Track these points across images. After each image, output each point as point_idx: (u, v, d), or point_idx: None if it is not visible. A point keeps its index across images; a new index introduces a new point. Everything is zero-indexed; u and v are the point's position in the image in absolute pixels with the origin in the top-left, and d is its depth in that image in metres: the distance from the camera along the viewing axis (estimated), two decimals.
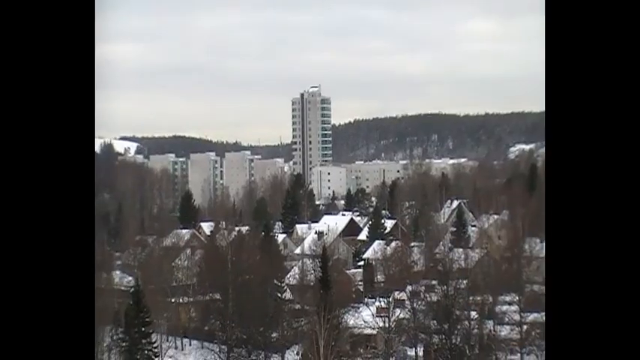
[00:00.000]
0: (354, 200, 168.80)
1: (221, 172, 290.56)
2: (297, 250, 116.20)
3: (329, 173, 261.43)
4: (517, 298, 72.83)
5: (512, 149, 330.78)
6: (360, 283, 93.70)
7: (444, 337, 69.91)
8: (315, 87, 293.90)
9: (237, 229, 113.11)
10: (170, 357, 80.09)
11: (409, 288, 76.55)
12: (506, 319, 72.38)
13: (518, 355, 69.68)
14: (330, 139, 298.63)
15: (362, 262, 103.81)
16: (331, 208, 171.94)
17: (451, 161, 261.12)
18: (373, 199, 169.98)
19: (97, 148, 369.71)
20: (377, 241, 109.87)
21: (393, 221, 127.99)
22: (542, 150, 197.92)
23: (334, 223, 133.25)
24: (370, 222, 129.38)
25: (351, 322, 73.74)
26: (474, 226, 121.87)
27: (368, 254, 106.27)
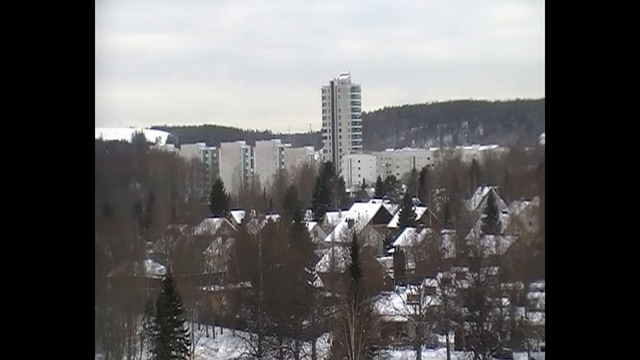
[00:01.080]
0: (384, 188, 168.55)
1: (251, 160, 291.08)
2: (328, 238, 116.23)
3: (359, 161, 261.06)
4: None
5: (543, 135, 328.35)
6: (390, 270, 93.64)
7: (475, 324, 69.69)
8: (345, 75, 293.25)
9: (267, 217, 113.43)
10: (202, 345, 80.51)
11: (440, 275, 76.36)
12: (538, 306, 72.01)
13: None
14: (360, 126, 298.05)
15: (392, 250, 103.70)
16: (361, 196, 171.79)
17: (482, 148, 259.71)
18: (403, 186, 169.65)
19: (129, 138, 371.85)
20: (407, 229, 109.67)
21: (424, 208, 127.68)
22: None
23: (364, 210, 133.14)
24: (401, 209, 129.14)
25: (382, 310, 73.73)
26: (505, 212, 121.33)
27: (398, 242, 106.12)
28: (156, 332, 69.56)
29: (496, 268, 74.74)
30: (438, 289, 74.63)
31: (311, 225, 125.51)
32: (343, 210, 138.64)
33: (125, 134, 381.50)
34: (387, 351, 71.35)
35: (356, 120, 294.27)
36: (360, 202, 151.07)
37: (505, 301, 72.26)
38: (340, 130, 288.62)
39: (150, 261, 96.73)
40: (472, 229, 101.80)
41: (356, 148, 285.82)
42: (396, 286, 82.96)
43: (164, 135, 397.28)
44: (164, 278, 73.46)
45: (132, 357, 75.15)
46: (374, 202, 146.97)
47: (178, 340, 69.17)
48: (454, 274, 76.59)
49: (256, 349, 74.51)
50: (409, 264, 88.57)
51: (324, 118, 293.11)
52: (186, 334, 71.13)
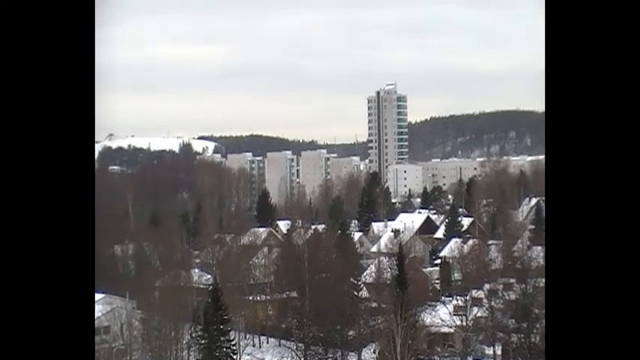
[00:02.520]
0: (430, 198, 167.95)
1: (297, 170, 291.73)
2: (374, 249, 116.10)
3: (405, 171, 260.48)
4: None
5: None
6: (436, 281, 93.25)
7: (522, 335, 69.17)
8: (391, 85, 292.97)
9: (313, 227, 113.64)
10: (248, 354, 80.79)
11: (487, 286, 75.92)
12: None
13: None
14: (406, 136, 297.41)
15: (439, 261, 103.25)
16: (407, 206, 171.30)
17: (529, 158, 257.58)
18: (450, 196, 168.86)
19: (176, 148, 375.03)
20: (454, 239, 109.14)
21: (470, 219, 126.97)
22: None
23: (410, 221, 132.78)
24: (447, 220, 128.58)
25: (428, 321, 73.46)
26: None
27: (445, 252, 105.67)
28: (203, 341, 69.98)
29: (544, 280, 74.07)
30: (484, 301, 74.20)
31: (357, 235, 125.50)
32: (389, 220, 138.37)
33: (173, 144, 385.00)
34: None
35: (402, 130, 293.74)
36: (406, 212, 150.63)
37: None
38: (386, 140, 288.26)
39: (197, 270, 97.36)
40: (519, 240, 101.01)
41: (402, 159, 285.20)
42: (443, 297, 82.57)
43: (211, 145, 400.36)
44: (211, 287, 73.93)
45: None
46: (420, 213, 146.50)
47: (225, 349, 69.52)
48: (501, 285, 76.09)
49: (302, 359, 74.63)
50: (455, 275, 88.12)
51: (370, 128, 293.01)
52: (233, 343, 71.46)
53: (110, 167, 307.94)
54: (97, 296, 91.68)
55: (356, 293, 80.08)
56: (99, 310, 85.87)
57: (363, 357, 75.10)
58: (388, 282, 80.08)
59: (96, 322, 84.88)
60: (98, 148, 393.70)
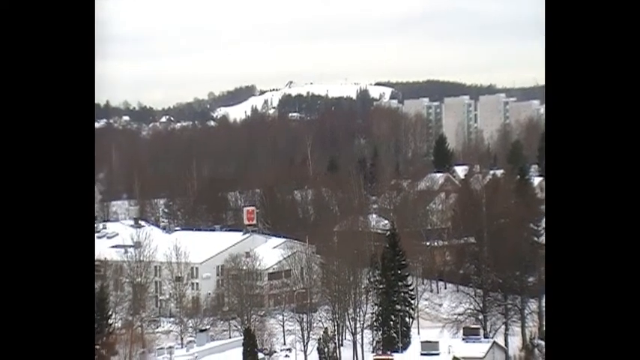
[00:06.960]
0: None
1: (475, 115, 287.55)
2: None
3: None
4: None
5: None
6: None
7: None
8: None
9: (491, 172, 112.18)
10: (425, 300, 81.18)
11: None
12: None
13: None
14: None
15: None
16: None
17: None
18: None
19: (354, 94, 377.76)
20: None
21: None
22: None
23: None
24: None
25: None
26: None
27: None
28: (381, 286, 70.79)
29: None
30: None
31: (536, 180, 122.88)
32: None
33: (350, 91, 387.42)
34: None
35: None
36: None
37: None
38: None
39: (374, 216, 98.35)
40: None
41: None
42: None
43: (388, 91, 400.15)
44: (388, 233, 74.50)
45: (357, 309, 76.89)
46: None
47: (403, 294, 70.07)
48: None
49: (480, 305, 74.22)
50: None
51: None
52: (411, 288, 71.90)
53: (290, 114, 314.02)
54: (278, 240, 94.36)
55: (536, 239, 78.74)
56: (280, 254, 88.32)
57: (543, 304, 73.92)
58: None
59: (277, 265, 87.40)
60: (278, 95, 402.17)
